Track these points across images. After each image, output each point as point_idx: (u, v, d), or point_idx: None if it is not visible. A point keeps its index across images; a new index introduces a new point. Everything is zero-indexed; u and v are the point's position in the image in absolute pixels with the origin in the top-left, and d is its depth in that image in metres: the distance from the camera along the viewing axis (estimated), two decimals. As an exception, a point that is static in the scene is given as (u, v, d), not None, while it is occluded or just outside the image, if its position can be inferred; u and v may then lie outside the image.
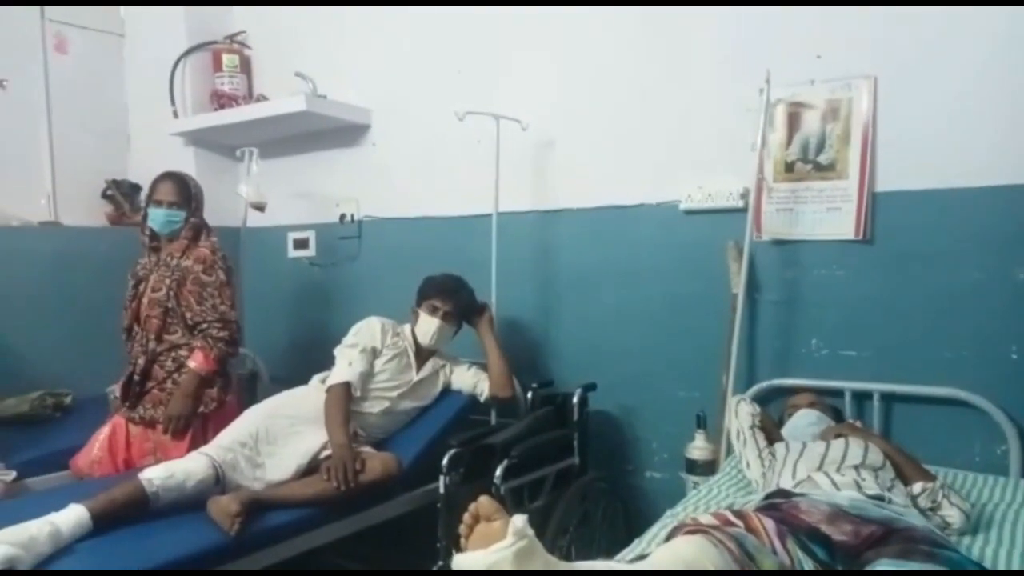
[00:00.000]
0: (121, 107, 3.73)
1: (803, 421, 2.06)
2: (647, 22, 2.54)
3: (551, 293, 2.81)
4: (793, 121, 2.32)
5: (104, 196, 3.60)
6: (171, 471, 1.99)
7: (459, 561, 1.12)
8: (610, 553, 1.52)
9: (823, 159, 2.27)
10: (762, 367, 2.39)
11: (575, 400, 2.48)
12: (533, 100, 2.76)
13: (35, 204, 3.41)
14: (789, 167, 2.33)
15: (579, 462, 2.49)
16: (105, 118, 3.66)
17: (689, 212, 2.49)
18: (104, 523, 1.82)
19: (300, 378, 2.71)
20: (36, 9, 3.40)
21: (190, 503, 1.99)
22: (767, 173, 2.33)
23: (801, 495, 1.58)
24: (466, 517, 1.16)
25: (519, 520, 1.09)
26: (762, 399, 2.28)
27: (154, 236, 2.61)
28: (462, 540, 1.16)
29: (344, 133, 3.31)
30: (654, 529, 1.79)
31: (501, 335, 2.67)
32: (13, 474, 2.37)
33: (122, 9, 3.69)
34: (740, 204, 2.38)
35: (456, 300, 2.56)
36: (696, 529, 1.30)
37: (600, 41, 2.65)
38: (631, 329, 2.63)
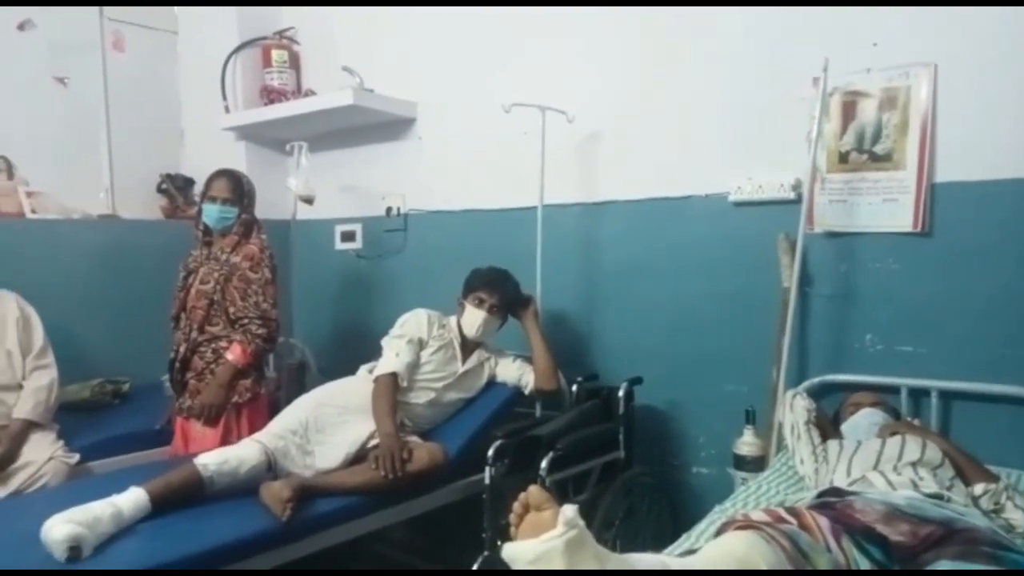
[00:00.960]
0: (175, 103, 3.83)
1: (866, 420, 2.01)
2: (697, 11, 2.50)
3: (596, 286, 2.79)
4: (848, 110, 2.26)
5: (159, 190, 3.70)
6: (225, 457, 2.05)
7: (509, 550, 1.12)
8: (656, 548, 1.51)
9: (879, 149, 2.21)
10: (813, 362, 2.34)
11: (621, 394, 2.46)
12: (579, 92, 2.74)
13: (94, 198, 3.53)
14: (843, 157, 2.27)
15: (624, 456, 2.47)
16: (160, 114, 3.77)
17: (738, 204, 2.45)
18: (162, 506, 1.88)
19: (346, 368, 2.76)
20: (95, 8, 3.51)
21: (243, 488, 2.04)
22: (820, 164, 2.28)
23: (855, 494, 1.54)
24: (516, 506, 1.15)
25: (569, 510, 1.09)
26: (813, 395, 2.23)
27: (207, 230, 2.68)
28: (511, 529, 1.16)
29: (390, 127, 3.34)
30: (702, 525, 1.77)
31: (546, 328, 2.67)
32: (77, 457, 2.46)
33: (176, 7, 3.78)
34: (792, 196, 2.33)
35: (502, 293, 2.57)
36: (747, 525, 1.28)
37: (648, 30, 2.62)
38: (678, 323, 2.60)
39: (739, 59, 2.43)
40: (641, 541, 2.36)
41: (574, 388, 2.58)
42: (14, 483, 2.33)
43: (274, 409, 2.72)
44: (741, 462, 2.33)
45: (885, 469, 1.66)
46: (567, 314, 2.85)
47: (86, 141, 3.52)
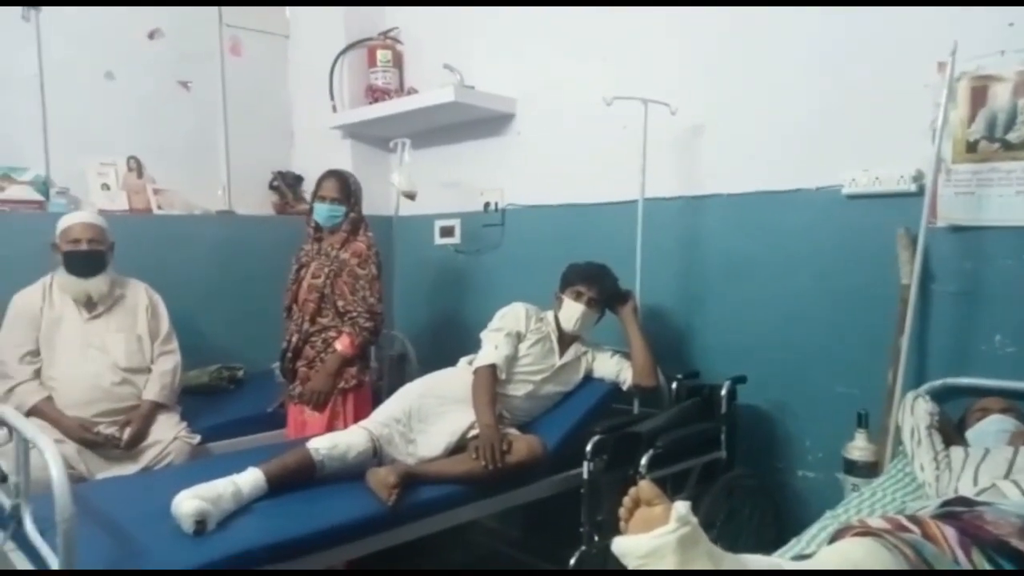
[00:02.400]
0: (286, 104, 4.01)
1: (994, 427, 1.88)
2: (808, -4, 2.40)
3: (698, 281, 2.73)
4: (977, 96, 2.11)
5: (271, 187, 3.89)
6: (335, 442, 2.13)
7: (619, 544, 1.11)
8: (758, 552, 1.46)
9: (1013, 137, 2.05)
10: (934, 364, 2.21)
11: (723, 392, 2.40)
12: (682, 83, 2.68)
13: (212, 195, 3.74)
14: (971, 147, 2.13)
15: (726, 456, 2.41)
16: (272, 114, 3.96)
17: (852, 197, 2.34)
18: (277, 486, 1.98)
19: (445, 360, 2.81)
20: (215, 15, 3.71)
21: (350, 473, 2.12)
22: (945, 154, 2.14)
23: (986, 504, 1.45)
24: (626, 501, 1.15)
25: (682, 506, 1.07)
26: (934, 398, 2.10)
27: (318, 227, 2.80)
28: (621, 524, 1.16)
29: (489, 123, 3.38)
30: (813, 529, 1.70)
31: (645, 323, 2.64)
32: (198, 438, 2.63)
33: (288, 11, 3.96)
34: (912, 188, 2.20)
35: (600, 286, 2.55)
36: (865, 531, 1.22)
37: (753, 17, 2.53)
38: (784, 320, 2.51)
39: (855, 44, 2.32)
40: (742, 545, 2.29)
41: (674, 385, 2.54)
42: (144, 460, 2.51)
43: (376, 397, 2.83)
44: (852, 467, 2.23)
45: (1019, 479, 1.55)
46: (667, 310, 2.80)
47: (206, 141, 3.73)
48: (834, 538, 1.33)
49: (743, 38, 2.57)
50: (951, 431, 1.97)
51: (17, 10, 3.15)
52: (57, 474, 1.47)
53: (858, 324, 2.34)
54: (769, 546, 1.68)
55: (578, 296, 2.56)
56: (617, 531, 2.12)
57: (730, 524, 2.29)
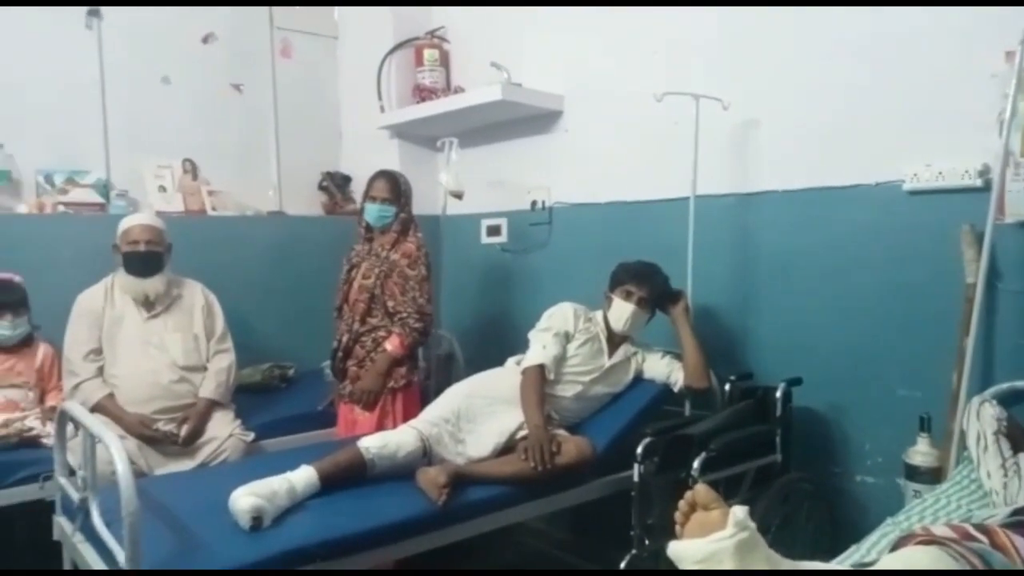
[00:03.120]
0: (334, 105, 4.06)
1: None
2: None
3: (751, 280, 2.67)
4: (1049, 86, 2.02)
5: (320, 187, 3.94)
6: (385, 441, 2.15)
7: (675, 548, 1.09)
8: (814, 559, 1.42)
9: (1088, 129, 1.96)
10: (1002, 366, 2.12)
11: (778, 394, 2.35)
12: (734, 78, 2.63)
13: (264, 196, 3.81)
14: (1043, 140, 2.03)
15: (781, 460, 2.36)
16: (321, 115, 4.01)
17: (914, 193, 2.26)
18: (329, 484, 2.00)
19: (491, 359, 2.81)
20: (267, 18, 3.78)
21: (400, 472, 2.13)
22: (1014, 147, 2.05)
23: (1061, 514, 1.38)
24: (682, 504, 1.13)
25: (740, 511, 1.05)
26: (1002, 402, 2.02)
27: (368, 228, 2.83)
28: (676, 527, 1.14)
29: (537, 120, 3.36)
30: (873, 537, 1.65)
31: (696, 323, 2.59)
32: (252, 435, 2.68)
33: (336, 12, 4.01)
34: (978, 183, 2.12)
35: (651, 286, 2.52)
36: (930, 540, 1.18)
37: (808, 10, 2.46)
38: (841, 321, 2.44)
39: (917, 33, 2.23)
40: (797, 552, 2.23)
41: (726, 387, 2.49)
42: (200, 456, 2.57)
43: (424, 397, 2.85)
44: (913, 472, 2.16)
45: (1096, 489, 1.48)
46: (719, 309, 2.75)
47: (257, 143, 3.80)
48: (896, 546, 1.29)
49: (798, 30, 2.50)
50: (1019, 437, 1.89)
51: (81, 19, 3.26)
52: (123, 469, 1.52)
53: (920, 324, 2.26)
54: (824, 553, 1.63)
55: (628, 296, 2.53)
56: (668, 535, 2.09)
57: (785, 530, 2.24)
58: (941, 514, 1.75)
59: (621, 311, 2.53)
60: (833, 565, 1.35)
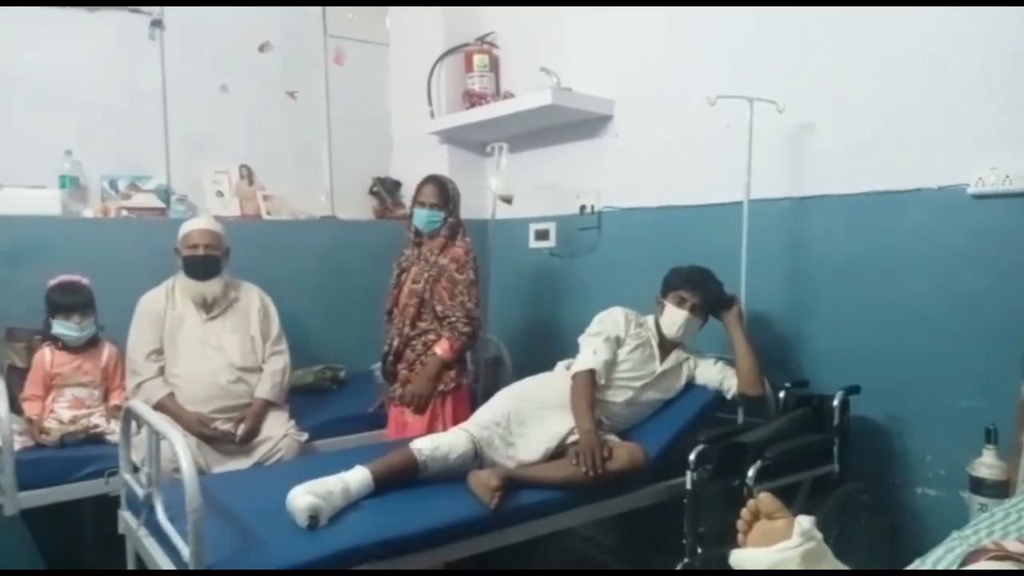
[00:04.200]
0: (385, 111, 4.13)
1: None
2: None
3: (806, 286, 2.62)
4: None
5: (371, 192, 4.00)
6: (437, 443, 2.17)
7: (739, 557, 1.07)
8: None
9: None
10: (1074, 377, 2.04)
11: (836, 403, 2.30)
12: (789, 80, 2.58)
13: (316, 200, 3.89)
14: (1120, 141, 1.95)
15: (839, 471, 2.31)
16: (372, 121, 4.08)
17: (979, 197, 2.19)
18: (383, 485, 2.03)
19: (539, 363, 2.82)
20: (320, 27, 3.87)
21: (451, 474, 2.15)
22: (1089, 149, 1.98)
23: None
24: (744, 513, 1.11)
25: (806, 521, 1.03)
26: (1075, 415, 1.95)
27: (418, 232, 2.86)
28: (739, 536, 1.12)
29: (586, 125, 3.36)
30: (938, 551, 1.59)
31: (750, 330, 2.55)
32: (306, 435, 2.73)
33: (388, 20, 4.07)
34: (1048, 186, 2.04)
35: (704, 292, 2.49)
36: (1003, 555, 1.14)
37: (865, 10, 2.41)
38: (901, 328, 2.37)
39: (981, 32, 2.17)
40: (856, 565, 2.18)
41: (781, 395, 2.45)
42: (256, 455, 2.63)
43: (473, 400, 2.87)
44: (979, 485, 2.08)
45: None
46: (773, 316, 2.70)
47: (311, 149, 3.89)
48: (965, 561, 1.25)
49: (853, 30, 2.45)
50: (1097, 451, 1.81)
51: (144, 30, 3.38)
52: (187, 467, 1.56)
53: (985, 333, 2.18)
54: (883, 566, 1.59)
55: (681, 302, 2.50)
56: (721, 544, 2.06)
57: (842, 542, 2.18)
58: (1012, 529, 1.68)
59: (674, 317, 2.51)
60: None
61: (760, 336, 2.60)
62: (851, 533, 2.23)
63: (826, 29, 2.52)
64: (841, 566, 1.07)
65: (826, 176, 2.55)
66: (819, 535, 1.04)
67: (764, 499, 1.10)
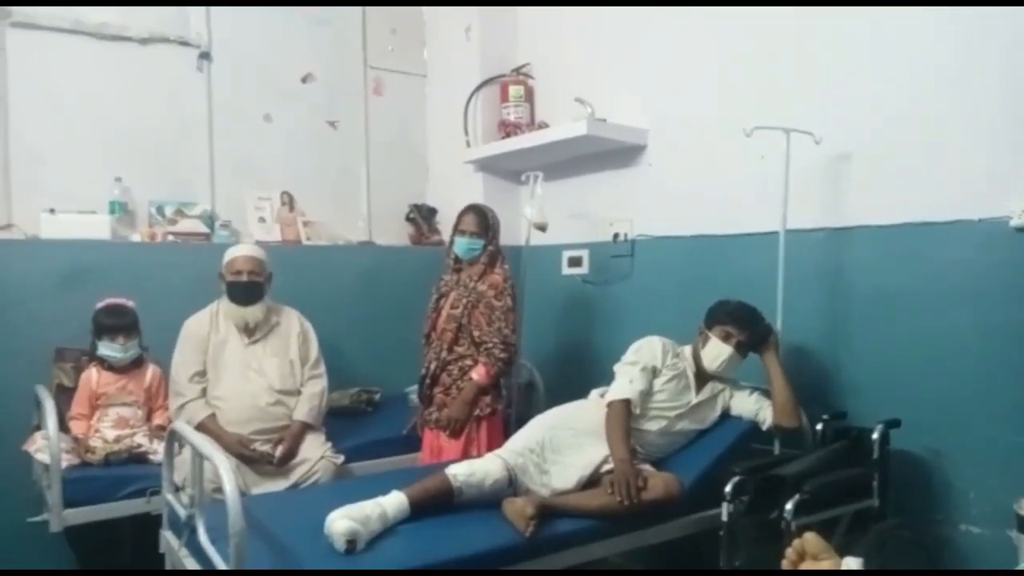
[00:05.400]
0: (422, 140, 4.21)
1: None
2: (964, 11, 2.26)
3: (843, 317, 2.60)
4: None
5: (407, 219, 4.07)
6: (472, 469, 2.18)
7: (786, 599, 1.07)
8: None
9: None
10: (1124, 415, 1.99)
11: (875, 436, 2.27)
12: (826, 110, 2.58)
13: (354, 226, 3.96)
14: None
15: (878, 505, 2.27)
16: (409, 150, 4.16)
17: (1021, 229, 2.17)
18: (418, 510, 2.04)
19: (572, 389, 2.83)
20: (361, 59, 3.97)
21: (486, 501, 2.16)
22: None
23: None
24: (789, 553, 1.10)
25: (854, 562, 1.02)
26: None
27: (457, 259, 2.92)
28: (783, 576, 1.11)
29: (620, 154, 3.39)
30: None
31: (786, 361, 2.53)
32: (342, 458, 2.77)
33: (426, 51, 4.17)
34: (1095, 220, 2.02)
35: (752, 331, 2.48)
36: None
37: (901, 39, 2.42)
38: (942, 361, 2.34)
39: (1019, 61, 2.16)
40: (897, 602, 2.14)
41: (818, 427, 2.42)
42: (293, 476, 2.67)
43: (505, 425, 2.88)
44: (1025, 524, 2.04)
45: None
46: (810, 346, 2.68)
47: (350, 176, 3.97)
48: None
49: (893, 59, 2.45)
50: None
51: (193, 62, 3.50)
52: (231, 490, 1.60)
53: (1030, 367, 2.15)
54: (928, 606, 1.56)
55: (727, 337, 2.49)
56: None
57: (883, 579, 2.15)
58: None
59: (718, 352, 2.50)
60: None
61: (796, 367, 2.58)
62: (891, 568, 2.19)
63: (864, 59, 2.53)
64: (887, 608, 1.06)
65: (864, 206, 2.54)
66: (870, 578, 1.03)
67: (810, 539, 1.09)
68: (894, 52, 2.45)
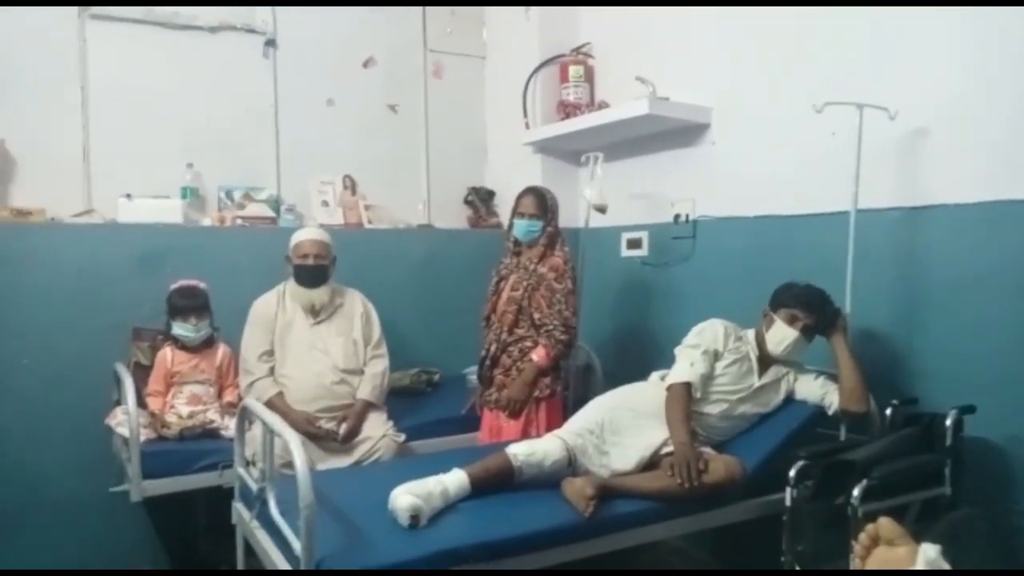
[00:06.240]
0: (480, 122, 4.21)
1: None
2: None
3: (917, 300, 2.50)
4: None
5: (465, 202, 4.09)
6: (532, 449, 2.20)
7: (858, 587, 1.04)
8: None
9: None
10: None
11: (948, 422, 2.19)
12: (901, 85, 2.48)
13: (414, 209, 4.01)
14: None
15: (951, 494, 2.19)
16: (468, 133, 4.17)
17: (1115, 207, 2.04)
18: (479, 488, 2.08)
19: (629, 372, 2.81)
20: (421, 42, 4.00)
21: (545, 481, 2.17)
22: None
23: None
24: (862, 538, 1.07)
25: (932, 550, 0.98)
26: None
27: (517, 242, 2.92)
28: (855, 561, 1.09)
29: (682, 133, 3.32)
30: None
31: (855, 344, 2.46)
32: (404, 436, 2.82)
33: (485, 32, 4.16)
34: None
35: (819, 315, 2.41)
36: None
37: (982, 7, 2.29)
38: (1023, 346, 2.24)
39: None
40: (971, 594, 2.07)
41: (888, 412, 2.35)
42: (356, 453, 2.74)
43: (564, 407, 2.88)
44: (1114, 518, 1.94)
45: None
46: (880, 330, 2.59)
47: (409, 160, 4.01)
48: None
49: (973, 26, 2.32)
50: None
51: (259, 49, 3.59)
52: (301, 464, 1.65)
53: (1121, 353, 2.03)
54: (1006, 599, 1.50)
55: (793, 320, 2.43)
56: (820, 563, 2.00)
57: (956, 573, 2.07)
58: None
59: (783, 335, 2.44)
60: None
61: (865, 351, 2.50)
62: (964, 562, 2.10)
63: (941, 26, 2.40)
64: (970, 601, 1.02)
65: (941, 184, 2.43)
66: (947, 565, 1.00)
67: (885, 524, 1.05)
68: (974, 18, 2.32)
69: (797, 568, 2.15)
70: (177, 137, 3.42)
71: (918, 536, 1.88)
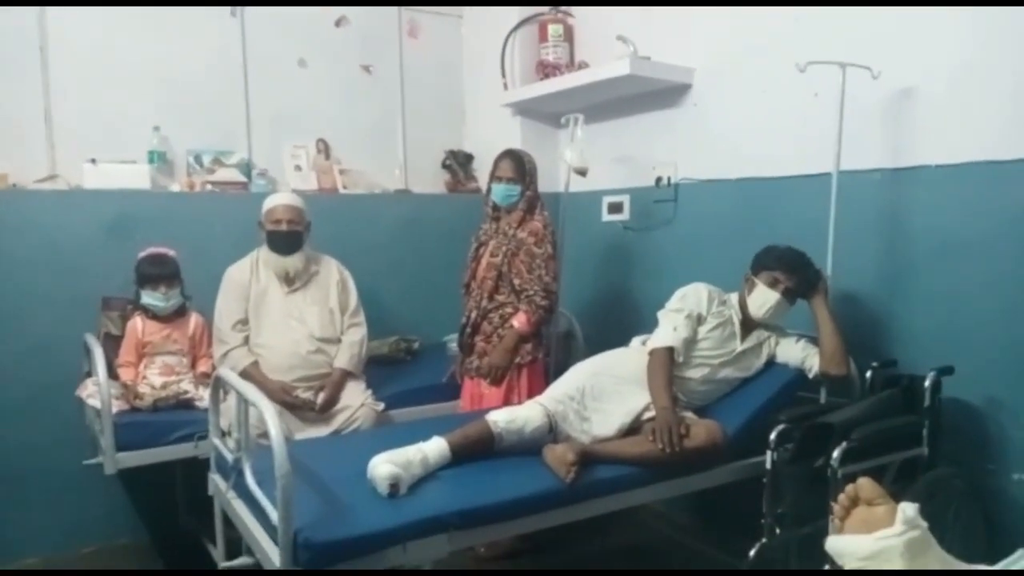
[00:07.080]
0: (458, 83, 4.11)
1: None
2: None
3: (898, 263, 2.49)
4: None
5: (443, 166, 4.01)
6: (513, 416, 2.18)
7: (836, 544, 1.04)
8: (966, 562, 1.31)
9: None
10: None
11: (927, 384, 2.20)
12: (886, 43, 2.44)
13: (391, 174, 3.91)
14: None
15: (928, 454, 2.21)
16: (445, 94, 4.06)
17: (1098, 167, 2.03)
18: (459, 456, 2.05)
19: (611, 338, 2.79)
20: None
21: (526, 448, 2.16)
22: None
23: None
24: (842, 499, 1.07)
25: (910, 508, 0.98)
26: None
27: (495, 207, 2.87)
28: (835, 522, 1.08)
29: (664, 95, 3.26)
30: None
31: (836, 307, 2.45)
32: (383, 405, 2.79)
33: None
34: None
35: (801, 276, 2.40)
36: None
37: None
38: (1005, 309, 2.23)
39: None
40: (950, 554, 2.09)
41: (867, 375, 2.36)
42: (335, 423, 2.71)
43: (546, 373, 2.87)
44: (1088, 476, 1.97)
45: None
46: (861, 293, 2.59)
47: (385, 123, 3.90)
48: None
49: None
50: None
51: (226, 9, 3.44)
52: (276, 434, 1.61)
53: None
54: (978, 557, 1.50)
55: (774, 283, 2.41)
56: (799, 525, 2.00)
57: (932, 530, 2.09)
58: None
59: (764, 298, 2.43)
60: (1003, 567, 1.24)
61: (846, 314, 2.50)
62: (941, 521, 2.14)
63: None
64: (947, 557, 1.02)
65: (925, 145, 2.40)
66: (924, 524, 0.99)
67: (864, 484, 1.05)
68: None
69: (777, 531, 2.17)
70: (143, 99, 3.29)
71: (897, 496, 1.89)
